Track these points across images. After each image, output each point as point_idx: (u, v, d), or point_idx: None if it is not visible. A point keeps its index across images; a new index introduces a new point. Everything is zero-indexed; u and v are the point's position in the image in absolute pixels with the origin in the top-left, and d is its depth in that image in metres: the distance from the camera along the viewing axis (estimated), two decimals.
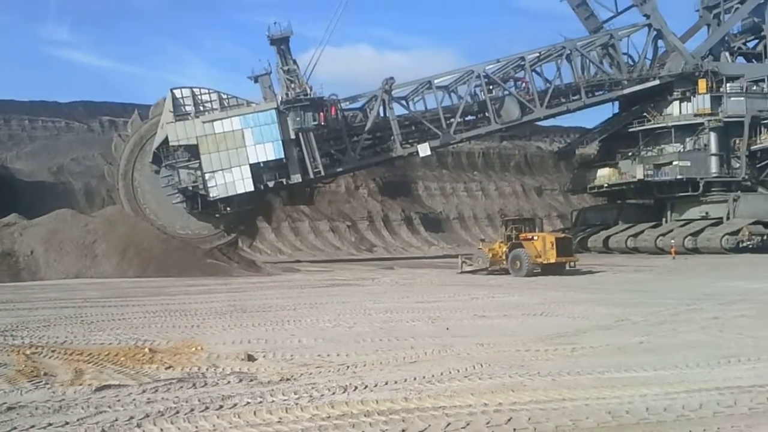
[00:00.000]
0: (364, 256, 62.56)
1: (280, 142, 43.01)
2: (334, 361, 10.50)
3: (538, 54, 50.60)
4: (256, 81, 44.73)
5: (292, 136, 43.57)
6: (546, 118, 53.41)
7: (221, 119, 42.75)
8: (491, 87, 49.84)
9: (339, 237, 70.45)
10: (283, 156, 43.13)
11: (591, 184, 56.78)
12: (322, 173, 45.65)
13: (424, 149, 48.87)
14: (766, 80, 52.08)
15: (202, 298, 22.48)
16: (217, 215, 43.40)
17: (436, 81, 49.16)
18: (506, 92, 49.98)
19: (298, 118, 42.96)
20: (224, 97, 44.17)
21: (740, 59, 56.49)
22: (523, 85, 50.64)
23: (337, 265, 45.93)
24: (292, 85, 43.65)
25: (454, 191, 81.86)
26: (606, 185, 55.01)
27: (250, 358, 10.75)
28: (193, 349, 11.45)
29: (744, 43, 56.78)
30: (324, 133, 45.75)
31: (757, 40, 55.98)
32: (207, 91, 44.25)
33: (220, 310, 18.42)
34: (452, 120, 48.75)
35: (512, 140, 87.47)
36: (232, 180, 42.50)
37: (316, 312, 17.52)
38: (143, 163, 43.52)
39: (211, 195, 42.37)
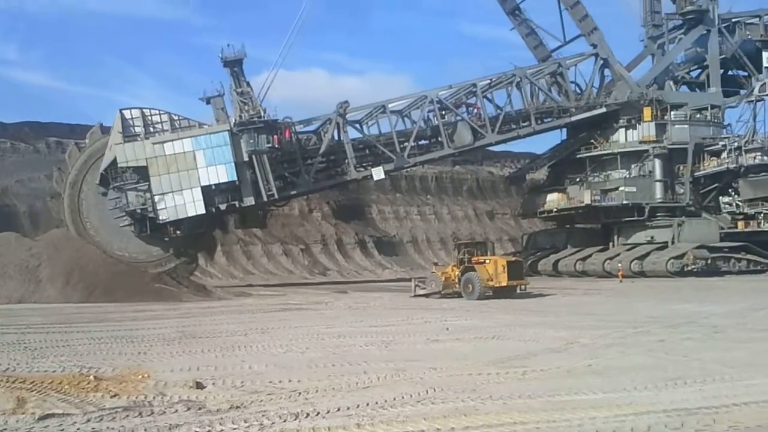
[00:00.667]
0: (318, 279, 62.12)
1: (233, 164, 42.55)
2: (285, 388, 10.36)
3: (489, 81, 51.53)
4: (208, 102, 44.30)
5: (246, 159, 43.18)
6: (497, 143, 54.24)
7: (172, 141, 42.07)
8: (444, 112, 50.40)
9: (292, 260, 69.84)
10: (236, 178, 42.67)
11: (541, 209, 57.64)
12: (276, 196, 45.30)
13: (378, 173, 49.05)
14: (709, 108, 53.91)
15: (150, 323, 21.99)
16: (166, 239, 42.56)
17: (390, 105, 49.55)
18: (459, 118, 50.61)
19: (251, 141, 42.61)
20: (175, 118, 43.55)
21: (684, 88, 58.43)
22: (475, 111, 51.38)
23: (290, 289, 45.51)
24: (246, 108, 43.35)
25: (407, 215, 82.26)
26: (555, 210, 55.92)
27: (199, 385, 10.53)
28: (140, 376, 11.17)
29: (687, 73, 58.85)
30: (278, 155, 45.50)
31: (700, 70, 58.06)
32: (158, 112, 43.58)
33: (168, 336, 18.04)
34: (406, 144, 49.11)
35: (464, 165, 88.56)
36: (182, 202, 41.74)
37: (268, 337, 17.31)
38: (94, 177, 42.49)
39: (160, 218, 41.54)
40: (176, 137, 42.26)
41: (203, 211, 42.04)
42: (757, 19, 56.48)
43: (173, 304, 32.46)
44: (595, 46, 53.41)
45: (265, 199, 44.49)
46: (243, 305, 31.45)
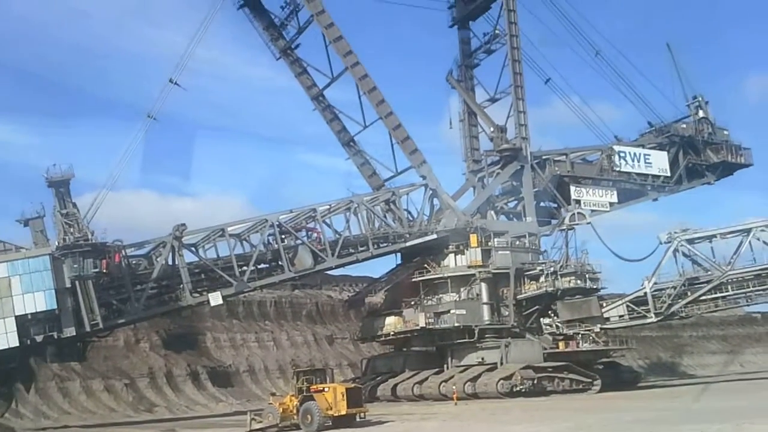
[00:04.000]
0: (144, 417, 57.17)
1: (53, 291, 39.51)
2: None
3: (328, 206, 53.06)
4: (26, 225, 41.46)
5: (68, 285, 40.29)
6: (337, 267, 55.07)
7: None
8: (284, 236, 50.73)
9: (115, 397, 63.93)
10: (55, 307, 39.48)
11: (379, 332, 58.24)
12: (101, 325, 42.23)
13: (215, 298, 47.54)
14: (527, 236, 58.79)
15: None
16: None
17: (229, 229, 49.01)
18: (299, 241, 51.11)
19: (75, 265, 40.05)
20: None
21: (503, 217, 63.60)
22: (315, 235, 52.29)
23: (110, 430, 41.53)
24: (71, 230, 41.00)
25: (245, 342, 79.35)
26: (392, 333, 56.65)
27: None
28: None
29: (506, 203, 64.32)
30: (105, 281, 42.93)
31: (516, 201, 63.64)
32: None
33: None
34: (245, 268, 48.40)
35: (303, 289, 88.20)
36: None
37: None
38: None
39: None
40: None
41: (16, 344, 38.19)
42: (564, 156, 63.65)
43: None
44: (424, 177, 57.08)
45: (88, 329, 41.37)
46: None
